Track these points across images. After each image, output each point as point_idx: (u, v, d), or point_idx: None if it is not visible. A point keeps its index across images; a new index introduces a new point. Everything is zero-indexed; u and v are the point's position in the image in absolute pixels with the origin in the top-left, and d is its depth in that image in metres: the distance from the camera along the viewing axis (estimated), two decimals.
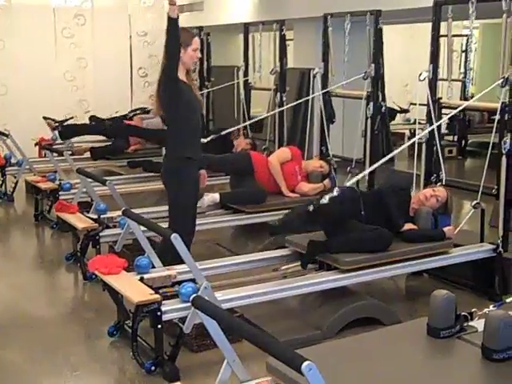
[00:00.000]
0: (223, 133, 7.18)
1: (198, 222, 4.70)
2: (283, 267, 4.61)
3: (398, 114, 12.43)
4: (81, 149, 8.82)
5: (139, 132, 8.52)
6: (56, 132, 9.19)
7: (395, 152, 5.58)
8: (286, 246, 4.78)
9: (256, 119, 7.81)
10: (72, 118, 9.38)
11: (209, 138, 6.90)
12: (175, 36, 4.14)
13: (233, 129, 7.55)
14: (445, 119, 5.10)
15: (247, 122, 7.78)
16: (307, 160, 6.49)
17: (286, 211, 4.57)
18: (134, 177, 7.72)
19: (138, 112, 9.47)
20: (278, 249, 4.93)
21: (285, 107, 7.35)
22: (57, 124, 8.84)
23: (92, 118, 9.37)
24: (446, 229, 4.76)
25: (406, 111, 12.06)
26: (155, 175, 7.04)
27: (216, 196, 5.78)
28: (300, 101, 7.66)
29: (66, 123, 8.96)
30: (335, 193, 4.35)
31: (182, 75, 4.31)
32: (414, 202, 4.85)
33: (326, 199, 4.29)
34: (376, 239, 4.42)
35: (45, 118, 9.23)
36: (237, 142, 7.49)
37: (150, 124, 8.59)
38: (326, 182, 6.12)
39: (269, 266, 4.74)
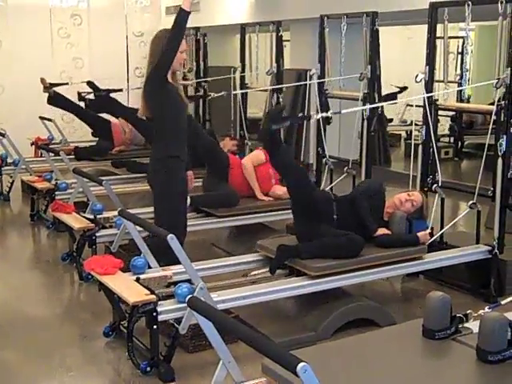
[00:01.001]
0: (225, 93, 7.43)
1: None
2: (252, 273, 4.58)
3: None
4: (66, 149, 8.73)
5: (125, 112, 7.97)
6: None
7: (387, 103, 5.65)
8: (258, 250, 4.73)
9: (251, 90, 7.95)
10: (67, 83, 9.28)
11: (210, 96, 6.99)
12: (183, 30, 4.18)
13: (236, 92, 7.72)
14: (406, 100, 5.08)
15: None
16: None
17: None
18: (130, 177, 7.68)
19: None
20: None
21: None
22: (49, 85, 8.71)
23: (89, 83, 9.21)
24: (419, 234, 4.63)
25: (405, 88, 11.87)
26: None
27: None
28: (281, 84, 7.70)
29: (57, 89, 8.79)
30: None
31: (169, 76, 4.33)
32: (389, 207, 4.73)
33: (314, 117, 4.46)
34: (347, 245, 4.31)
35: (41, 117, 9.21)
36: (223, 142, 7.40)
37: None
38: None
39: (265, 266, 4.73)
